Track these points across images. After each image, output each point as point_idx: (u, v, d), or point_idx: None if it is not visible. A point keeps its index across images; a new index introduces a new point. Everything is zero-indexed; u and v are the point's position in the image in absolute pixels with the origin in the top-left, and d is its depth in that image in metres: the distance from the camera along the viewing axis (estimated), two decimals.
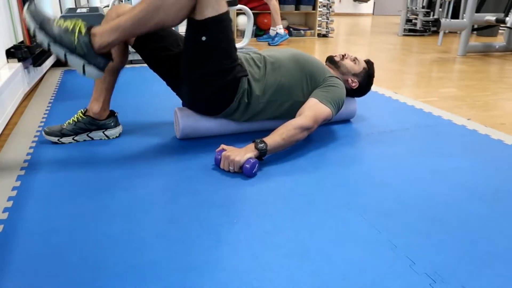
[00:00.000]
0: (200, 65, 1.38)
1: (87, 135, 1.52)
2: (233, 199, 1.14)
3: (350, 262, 0.89)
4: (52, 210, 1.07)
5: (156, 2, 1.19)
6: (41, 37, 1.16)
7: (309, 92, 1.55)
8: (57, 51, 1.18)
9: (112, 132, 1.56)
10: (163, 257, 0.89)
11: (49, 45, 1.16)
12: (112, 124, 1.55)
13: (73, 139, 1.50)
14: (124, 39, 1.26)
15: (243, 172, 1.26)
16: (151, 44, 1.43)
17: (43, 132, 1.50)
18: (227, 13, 1.31)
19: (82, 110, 1.52)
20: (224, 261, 0.88)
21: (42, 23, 1.16)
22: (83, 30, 1.18)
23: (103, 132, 1.53)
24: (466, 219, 1.06)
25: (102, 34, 1.20)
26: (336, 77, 1.61)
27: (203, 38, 1.30)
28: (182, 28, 3.37)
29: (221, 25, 1.31)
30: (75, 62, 1.20)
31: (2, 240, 0.94)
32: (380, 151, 1.50)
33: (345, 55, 1.72)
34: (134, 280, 0.82)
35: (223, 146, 1.35)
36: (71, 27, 1.18)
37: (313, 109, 1.45)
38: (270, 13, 4.42)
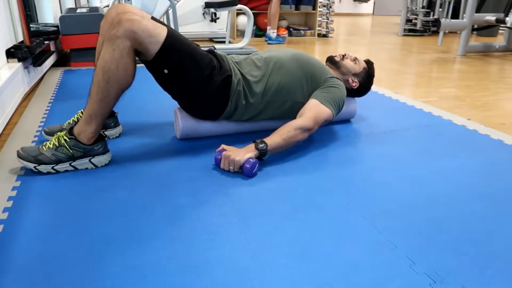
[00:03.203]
0: (181, 90, 1.41)
1: None
2: (233, 199, 1.14)
3: (350, 262, 0.89)
4: (51, 210, 1.07)
5: (104, 78, 1.22)
6: (45, 168, 1.25)
7: (310, 93, 1.54)
8: (64, 168, 1.27)
9: (112, 132, 1.56)
10: (163, 257, 0.89)
11: (54, 169, 1.25)
12: (112, 124, 1.55)
13: None
14: (103, 119, 1.29)
15: (243, 172, 1.26)
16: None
17: (43, 132, 1.50)
18: (168, 34, 1.28)
19: (82, 110, 1.51)
20: (224, 261, 0.88)
21: (36, 158, 1.24)
22: (67, 137, 1.26)
23: (103, 132, 1.53)
24: (466, 219, 1.06)
25: (83, 130, 1.27)
26: (337, 77, 1.61)
27: (165, 71, 1.34)
28: (182, 28, 3.35)
29: (171, 51, 1.30)
30: (82, 164, 1.29)
31: (2, 240, 0.94)
32: (380, 151, 1.50)
33: (345, 55, 1.72)
34: (134, 280, 0.82)
35: (223, 146, 1.35)
36: (57, 142, 1.26)
37: (314, 110, 1.45)
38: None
